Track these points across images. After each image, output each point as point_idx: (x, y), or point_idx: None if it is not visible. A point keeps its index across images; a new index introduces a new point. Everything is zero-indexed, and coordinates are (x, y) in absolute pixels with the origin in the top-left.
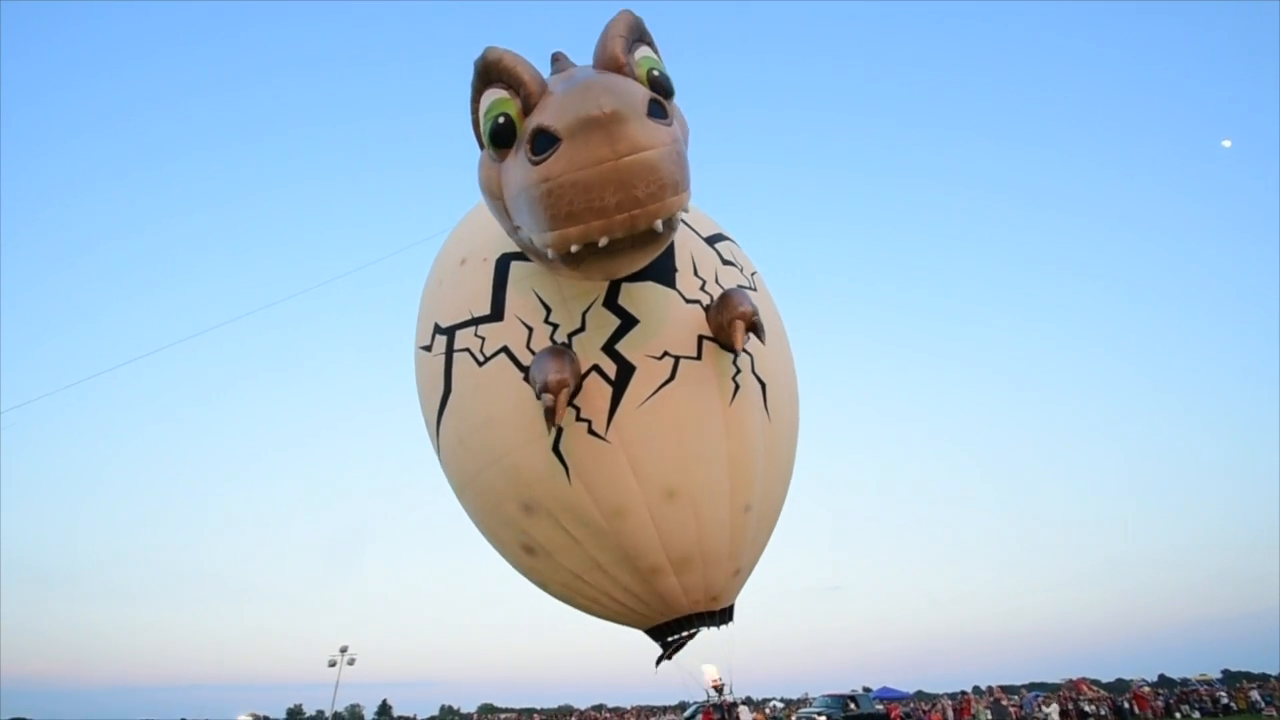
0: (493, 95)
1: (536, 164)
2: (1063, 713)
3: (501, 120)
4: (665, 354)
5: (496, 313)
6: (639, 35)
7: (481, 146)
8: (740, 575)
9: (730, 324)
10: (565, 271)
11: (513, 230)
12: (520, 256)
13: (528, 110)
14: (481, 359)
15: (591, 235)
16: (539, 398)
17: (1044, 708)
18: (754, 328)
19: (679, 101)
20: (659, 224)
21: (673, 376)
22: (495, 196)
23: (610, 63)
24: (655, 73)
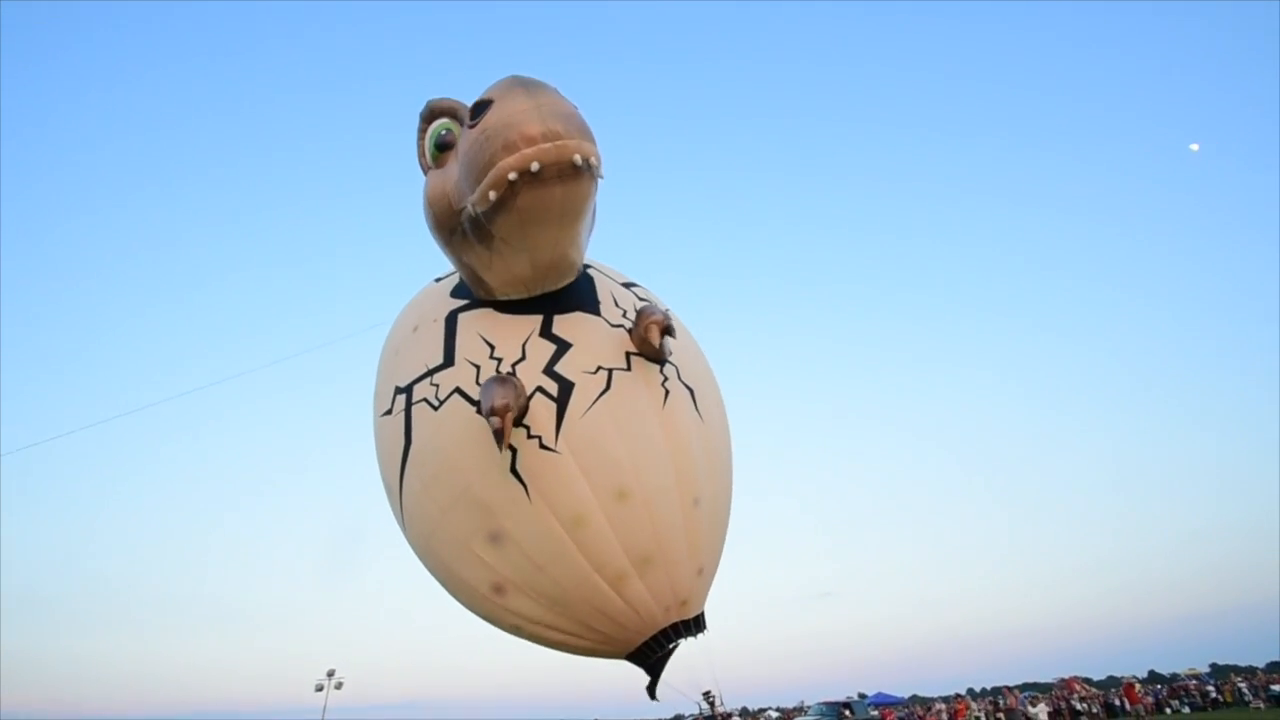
0: (437, 122)
1: (474, 126)
2: (1055, 712)
3: (445, 133)
4: (599, 368)
5: (448, 359)
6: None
7: (425, 169)
8: (704, 575)
9: (646, 328)
10: (501, 224)
11: (455, 227)
12: (468, 308)
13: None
14: (437, 404)
15: (525, 162)
16: (488, 420)
17: (1031, 707)
18: (667, 330)
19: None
20: (578, 158)
21: (608, 386)
22: (438, 201)
23: None
24: None
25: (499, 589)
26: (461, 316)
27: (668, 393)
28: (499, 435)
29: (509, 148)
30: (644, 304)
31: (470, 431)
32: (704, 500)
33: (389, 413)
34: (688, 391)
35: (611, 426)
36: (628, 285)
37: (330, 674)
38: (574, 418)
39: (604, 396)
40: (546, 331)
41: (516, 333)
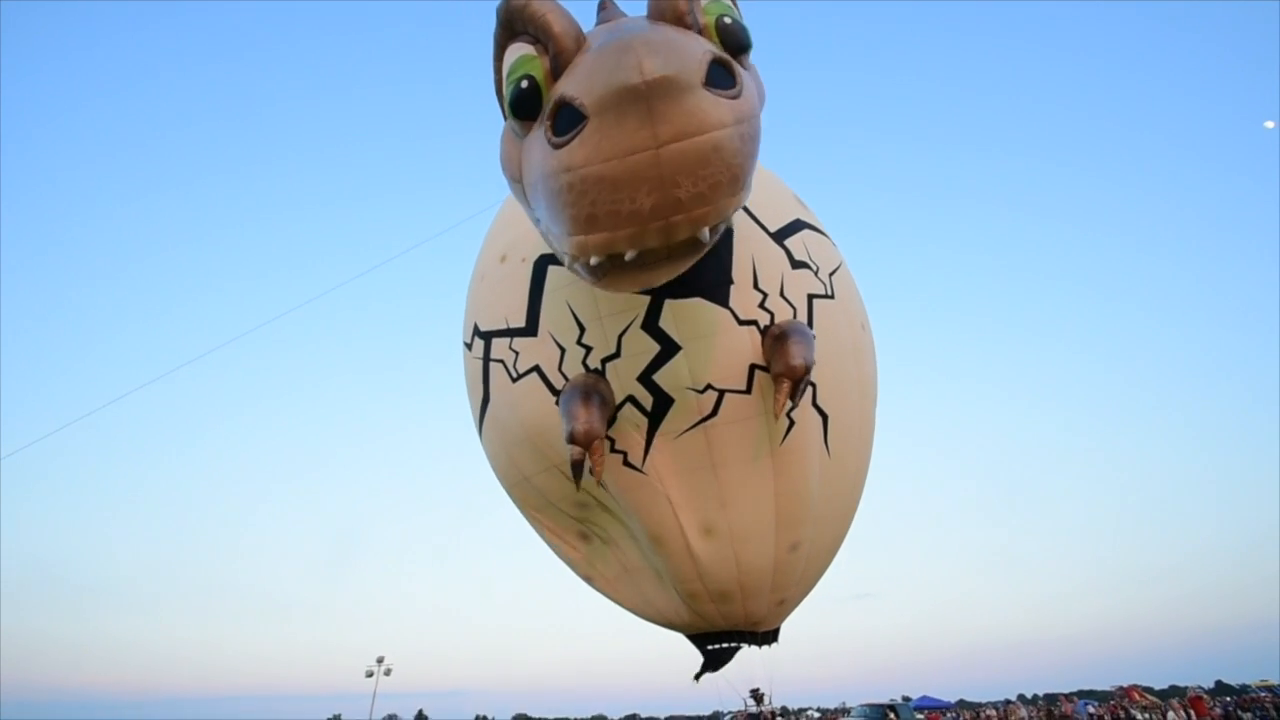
0: (518, 51)
1: (557, 148)
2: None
3: (525, 85)
4: (709, 387)
5: (531, 326)
6: None
7: (505, 116)
8: (786, 605)
9: (776, 380)
10: (588, 280)
11: (535, 221)
12: (558, 260)
13: (558, 72)
14: (514, 375)
15: (617, 246)
16: (568, 446)
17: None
18: (796, 388)
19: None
20: (705, 232)
21: (715, 412)
22: (516, 179)
23: (668, 11)
24: (726, 20)
25: (585, 537)
26: (552, 269)
27: (792, 424)
28: (577, 468)
29: (594, 223)
30: (789, 326)
31: (549, 418)
32: (805, 544)
33: (469, 347)
34: (820, 420)
35: (706, 459)
36: (782, 235)
37: (380, 660)
38: (665, 440)
39: (706, 423)
40: (651, 323)
41: (614, 315)
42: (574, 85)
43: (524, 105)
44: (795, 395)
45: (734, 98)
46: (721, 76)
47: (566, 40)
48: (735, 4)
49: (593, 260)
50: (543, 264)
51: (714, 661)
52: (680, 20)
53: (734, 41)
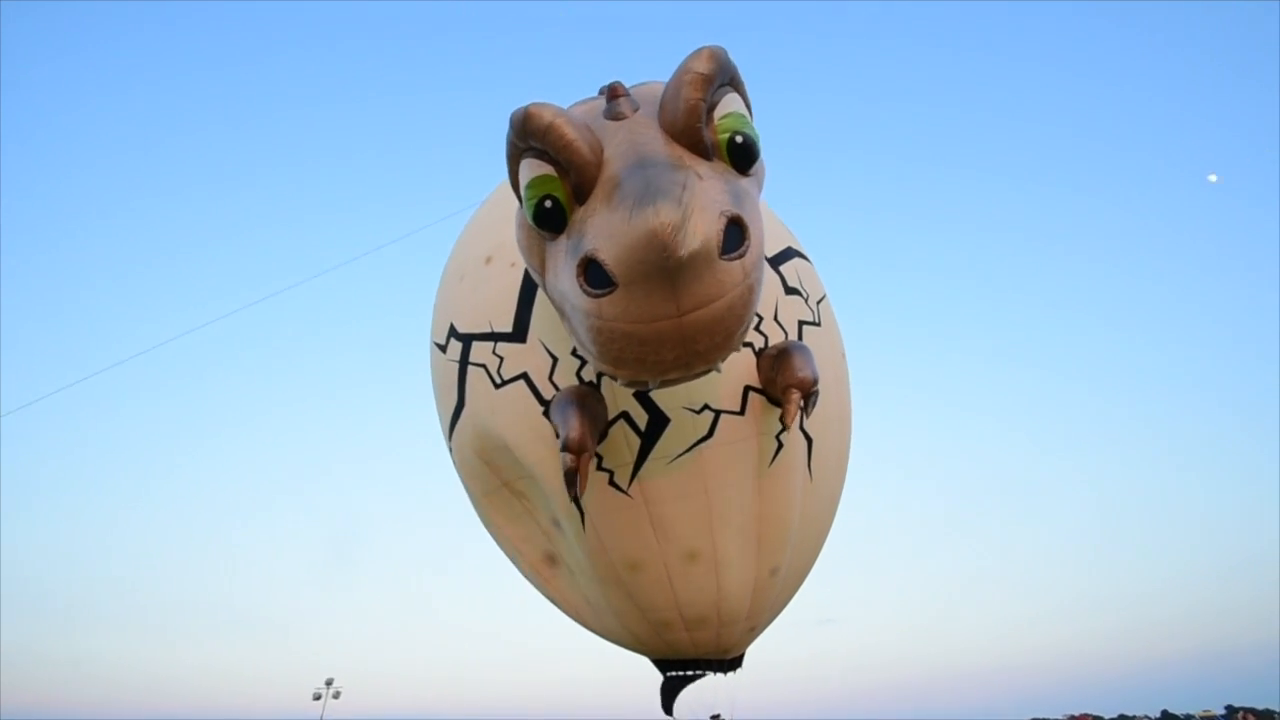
0: (537, 170)
1: (590, 296)
2: None
3: (549, 205)
4: (705, 407)
5: (519, 333)
6: (724, 79)
7: (520, 202)
8: (755, 631)
9: (785, 392)
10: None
11: (551, 300)
12: None
13: (580, 195)
14: (498, 380)
15: (641, 379)
16: (561, 456)
17: None
18: (810, 399)
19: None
20: (719, 369)
21: (710, 433)
22: (536, 269)
23: (683, 133)
24: (739, 139)
25: (552, 560)
26: None
27: (780, 446)
28: (569, 478)
29: (622, 364)
30: (792, 345)
31: (531, 430)
32: (784, 568)
33: (443, 349)
34: (806, 442)
35: (700, 483)
36: (777, 260)
37: (329, 683)
38: (659, 463)
39: (701, 446)
40: None
41: None
42: (604, 249)
43: (548, 222)
44: (807, 407)
45: (743, 256)
46: (735, 238)
47: (590, 170)
48: (748, 106)
49: (619, 383)
50: None
51: (674, 687)
52: (695, 142)
53: (745, 158)
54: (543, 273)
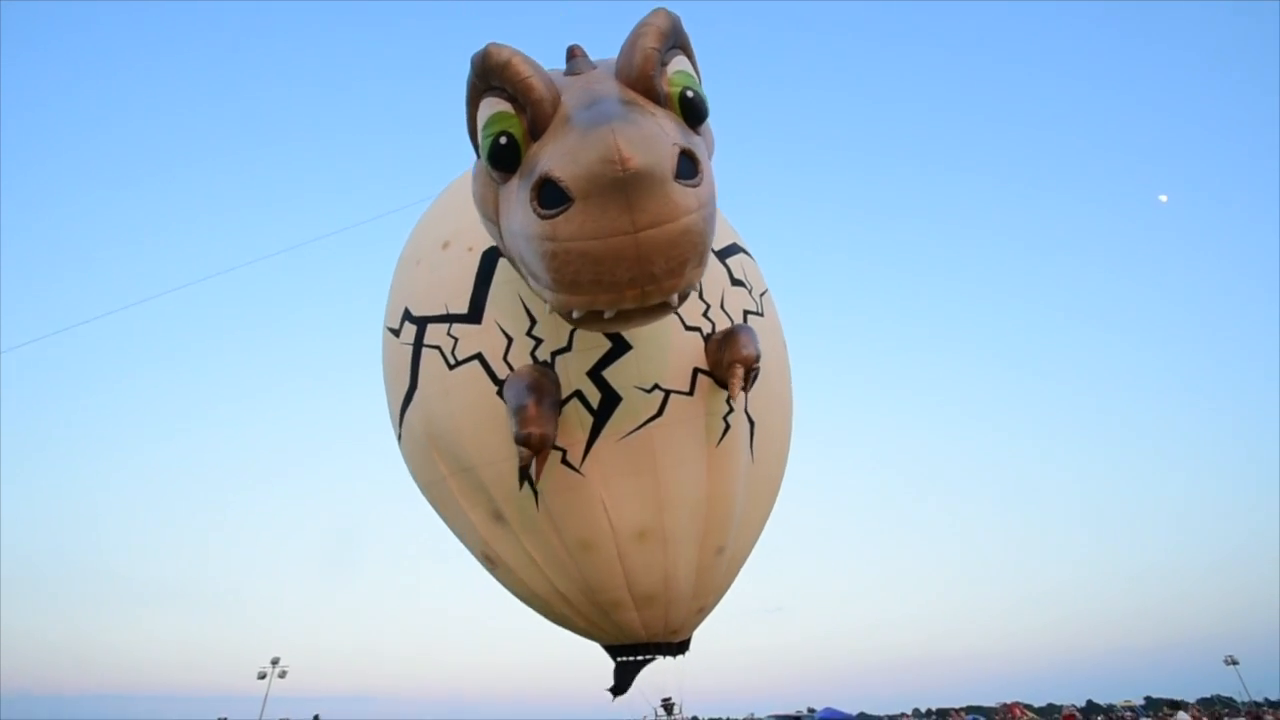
0: (495, 107)
1: (543, 219)
2: None
3: (504, 141)
4: (656, 386)
5: (474, 314)
6: (675, 41)
7: (477, 152)
8: (703, 612)
9: (730, 366)
10: (567, 321)
11: (504, 249)
12: None
13: (535, 132)
14: (453, 361)
15: (597, 305)
16: (517, 448)
17: None
18: (751, 375)
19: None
20: (674, 297)
21: (660, 412)
22: (490, 217)
23: (638, 80)
24: (689, 93)
25: (490, 560)
26: (503, 262)
27: (727, 428)
28: (524, 471)
29: (577, 287)
30: (738, 327)
31: (485, 411)
32: (729, 548)
33: (396, 333)
34: (749, 425)
35: (650, 460)
36: (724, 254)
37: (275, 662)
38: (610, 440)
39: (652, 424)
40: None
41: None
42: (559, 167)
43: (502, 159)
44: (748, 382)
45: (697, 186)
46: (687, 167)
47: (545, 104)
48: (697, 73)
49: (574, 314)
50: (492, 255)
51: (625, 674)
52: (648, 89)
53: (695, 114)
54: (496, 221)
